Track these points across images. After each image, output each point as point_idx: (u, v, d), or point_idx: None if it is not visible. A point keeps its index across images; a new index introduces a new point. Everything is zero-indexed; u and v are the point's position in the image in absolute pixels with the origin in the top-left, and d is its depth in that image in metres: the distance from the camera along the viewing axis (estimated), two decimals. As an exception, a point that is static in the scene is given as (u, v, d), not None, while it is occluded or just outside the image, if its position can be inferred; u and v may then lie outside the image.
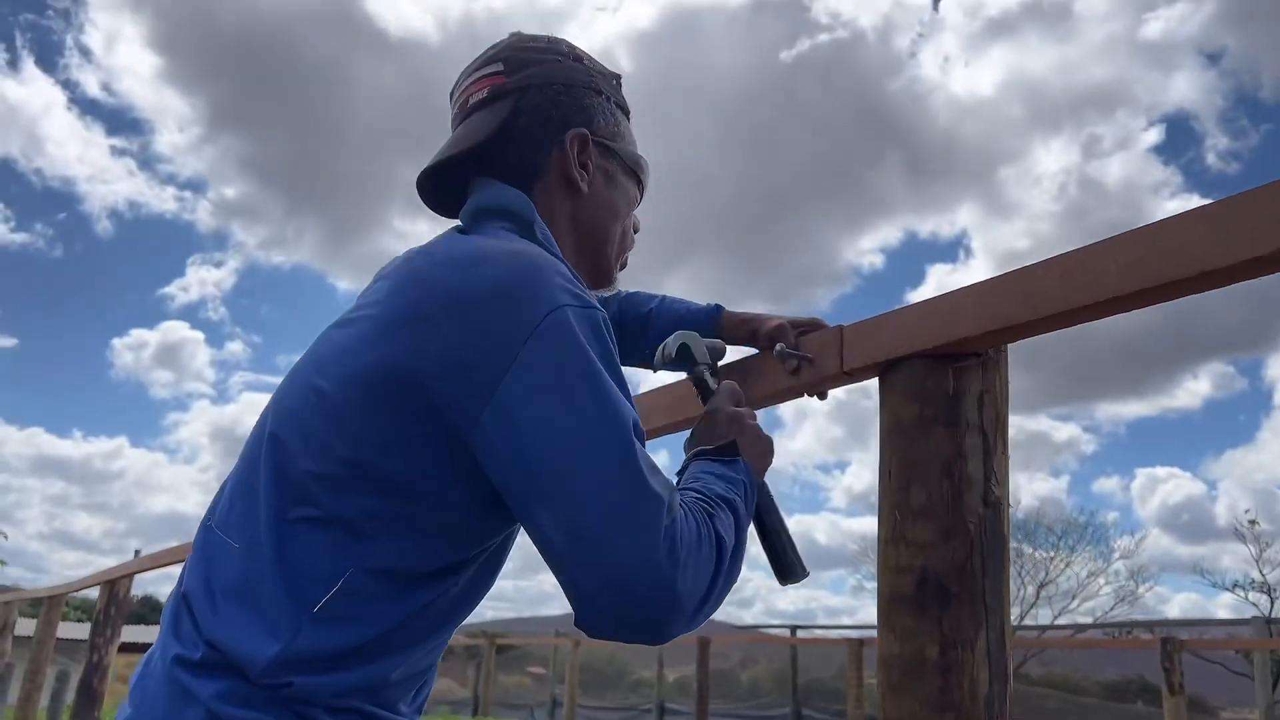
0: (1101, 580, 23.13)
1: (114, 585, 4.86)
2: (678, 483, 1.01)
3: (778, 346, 1.25)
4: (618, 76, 1.15)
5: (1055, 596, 23.75)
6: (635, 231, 1.18)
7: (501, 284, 0.86)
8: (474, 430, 0.83)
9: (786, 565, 1.12)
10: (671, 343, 1.26)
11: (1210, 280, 0.86)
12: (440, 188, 1.10)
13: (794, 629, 14.67)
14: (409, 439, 0.85)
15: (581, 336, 0.84)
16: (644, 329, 1.37)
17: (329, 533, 0.85)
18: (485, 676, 14.08)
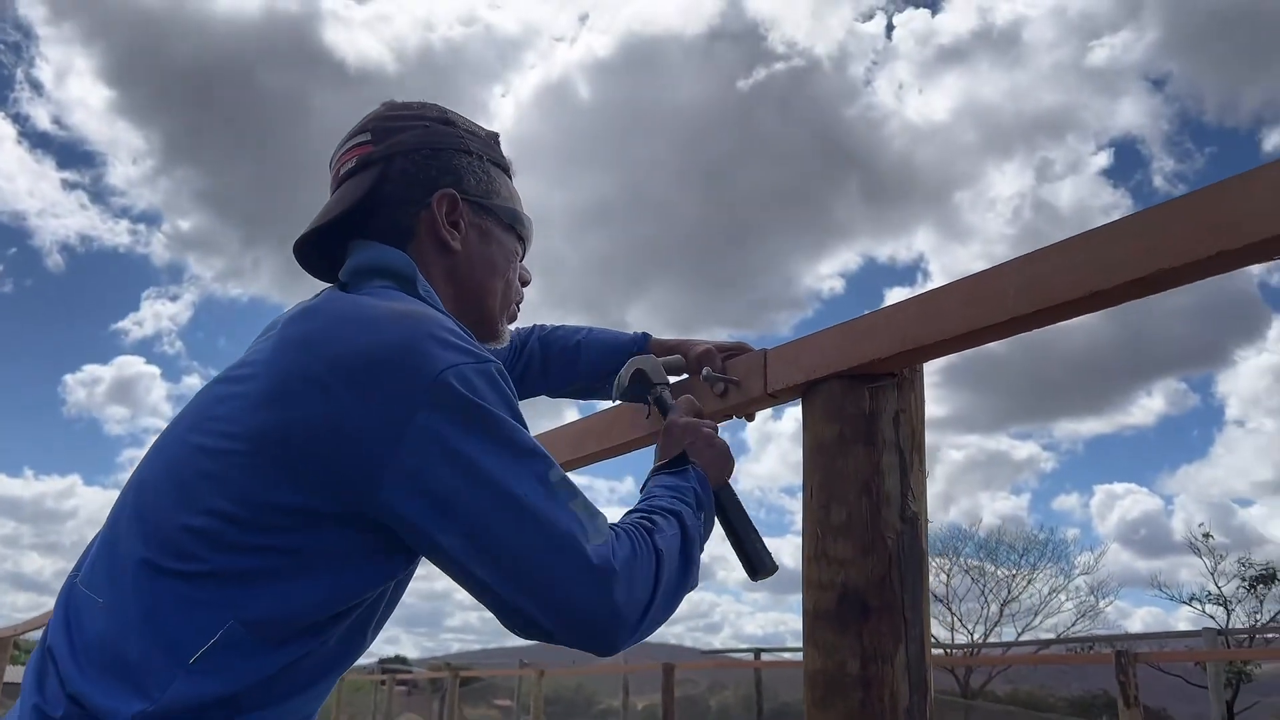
0: (1063, 596, 23.40)
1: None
2: (638, 499, 1.08)
3: (705, 370, 1.29)
4: (495, 135, 1.18)
5: (1019, 614, 23.98)
6: (525, 284, 1.21)
7: (390, 348, 0.87)
8: (374, 495, 0.85)
9: (756, 562, 1.19)
10: (625, 371, 1.30)
11: (1100, 300, 0.91)
12: (318, 254, 1.12)
13: (758, 652, 14.64)
14: (294, 499, 0.86)
15: (472, 393, 0.87)
16: (574, 359, 1.42)
17: (206, 586, 0.84)
18: (450, 710, 13.88)
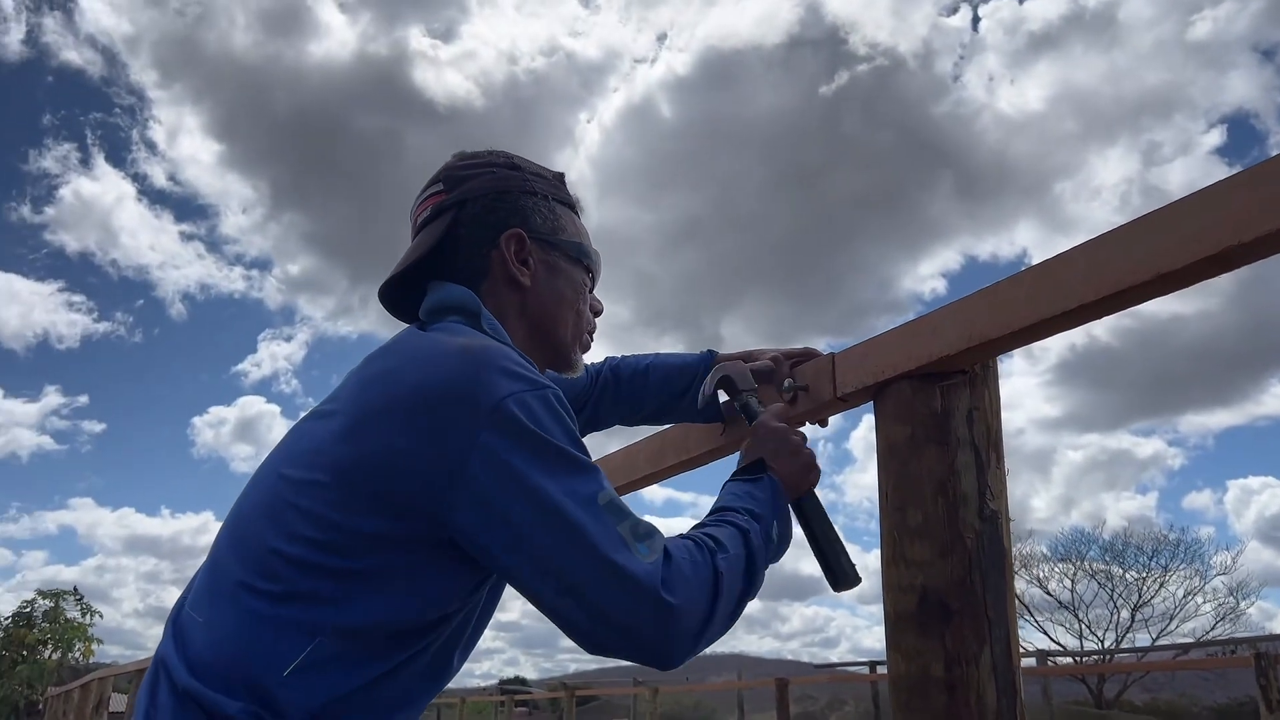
0: (1200, 599, 22.16)
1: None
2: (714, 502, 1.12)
3: (785, 382, 1.30)
4: (561, 175, 1.24)
5: (1152, 619, 22.80)
6: (597, 314, 1.26)
7: (454, 380, 0.94)
8: (444, 518, 0.91)
9: (838, 572, 1.19)
10: (710, 379, 1.32)
11: (1167, 283, 0.88)
12: (403, 298, 1.20)
13: (874, 665, 14.30)
14: (372, 525, 0.92)
15: (530, 419, 0.92)
16: (644, 383, 1.45)
17: (295, 605, 0.91)
18: (568, 730, 14.00)
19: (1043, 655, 10.19)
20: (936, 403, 1.10)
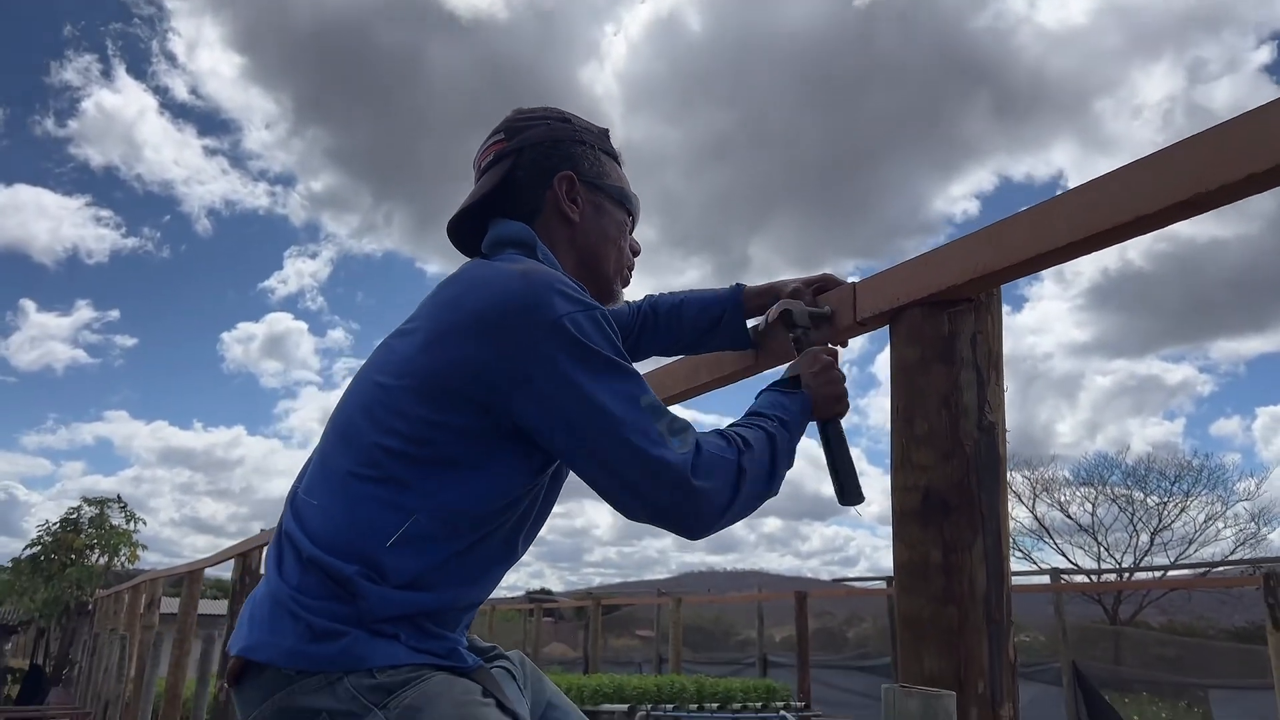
0: (1220, 524, 22.34)
1: (246, 558, 5.30)
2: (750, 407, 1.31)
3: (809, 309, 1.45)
4: (605, 130, 1.42)
5: (1171, 543, 23.05)
6: (636, 253, 1.43)
7: (517, 300, 1.11)
8: (511, 412, 1.11)
9: (847, 490, 1.37)
10: (774, 309, 1.47)
11: (1146, 224, 1.01)
12: (470, 234, 1.37)
13: (891, 581, 14.66)
14: (451, 419, 1.11)
15: (581, 334, 1.10)
16: (679, 316, 1.62)
17: (393, 488, 1.10)
18: (593, 637, 14.53)
19: (1056, 573, 10.42)
20: (944, 327, 1.24)
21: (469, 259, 1.34)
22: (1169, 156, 0.97)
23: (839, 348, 1.46)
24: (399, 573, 1.08)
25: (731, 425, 1.24)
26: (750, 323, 1.58)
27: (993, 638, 1.16)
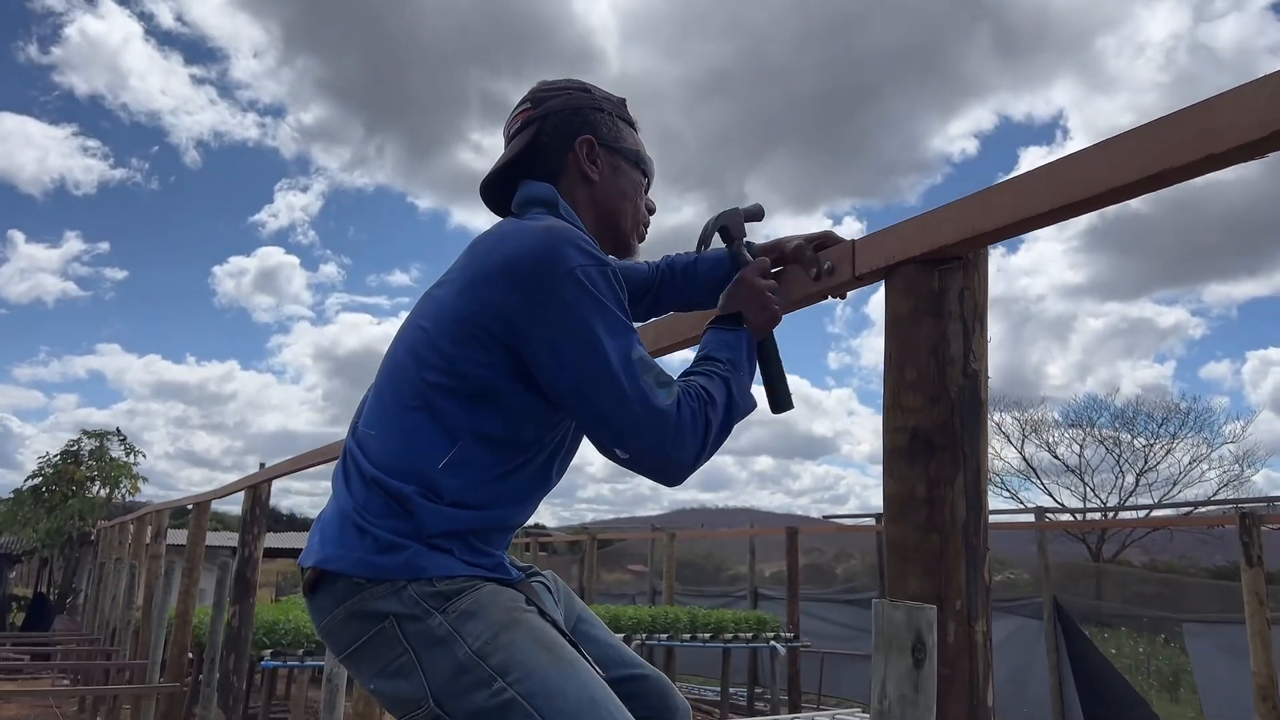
0: (1205, 466, 22.73)
1: (256, 489, 5.46)
2: (698, 350, 1.45)
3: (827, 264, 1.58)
4: (623, 100, 1.57)
5: (1156, 484, 23.48)
6: (651, 212, 1.56)
7: (538, 252, 1.26)
8: (526, 352, 1.26)
9: (780, 398, 1.54)
10: (711, 223, 1.61)
11: (1118, 194, 1.12)
12: (499, 196, 1.51)
13: (879, 517, 14.97)
14: (485, 357, 1.27)
15: (592, 285, 1.24)
16: (693, 274, 1.74)
17: (441, 417, 1.26)
18: (588, 570, 14.87)
19: (1040, 512, 10.69)
20: (935, 283, 1.36)
21: (500, 218, 1.46)
22: (1137, 135, 1.08)
23: (840, 298, 1.58)
24: (450, 491, 1.24)
25: (690, 372, 1.38)
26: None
27: (970, 562, 1.30)
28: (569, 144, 1.46)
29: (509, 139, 1.51)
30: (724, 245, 1.66)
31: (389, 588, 1.21)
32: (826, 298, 1.59)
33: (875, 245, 1.45)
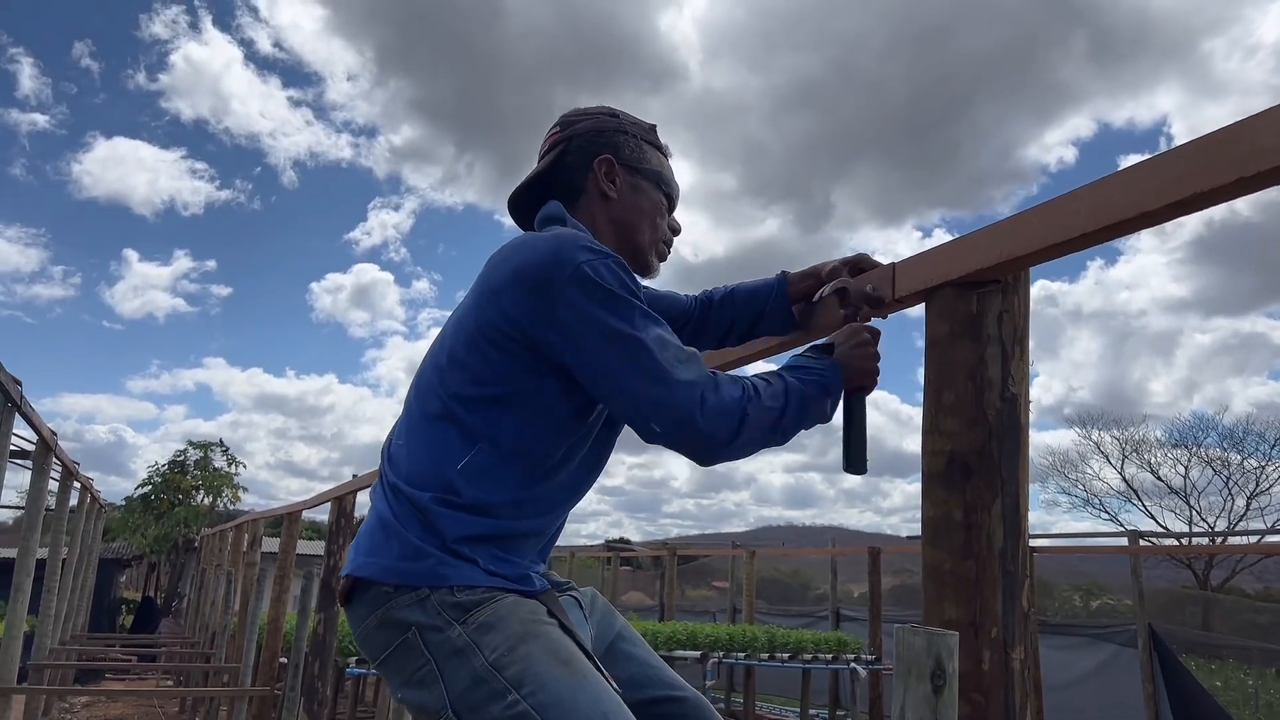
0: (1323, 489, 21.47)
1: (341, 501, 5.65)
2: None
3: (869, 287, 1.57)
4: (653, 126, 1.64)
5: (1269, 508, 22.29)
6: (675, 233, 1.60)
7: (541, 258, 1.32)
8: (547, 349, 1.31)
9: (855, 460, 1.51)
10: (828, 287, 1.60)
11: (1150, 219, 1.10)
12: (527, 213, 1.59)
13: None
14: (502, 362, 1.33)
15: (599, 277, 1.30)
16: (732, 304, 1.77)
17: (460, 423, 1.34)
18: (668, 586, 14.86)
19: (1135, 535, 10.25)
20: (973, 306, 1.36)
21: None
22: (1167, 161, 1.07)
23: (878, 323, 1.58)
24: (469, 495, 1.30)
25: (756, 374, 1.41)
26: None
27: (1007, 588, 1.29)
28: (590, 163, 1.54)
29: (539, 159, 1.58)
30: (840, 308, 1.59)
31: (414, 596, 1.27)
32: (870, 319, 1.59)
33: (914, 268, 1.45)
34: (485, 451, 1.32)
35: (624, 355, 1.27)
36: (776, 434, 1.35)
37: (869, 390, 1.49)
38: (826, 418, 1.43)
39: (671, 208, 1.62)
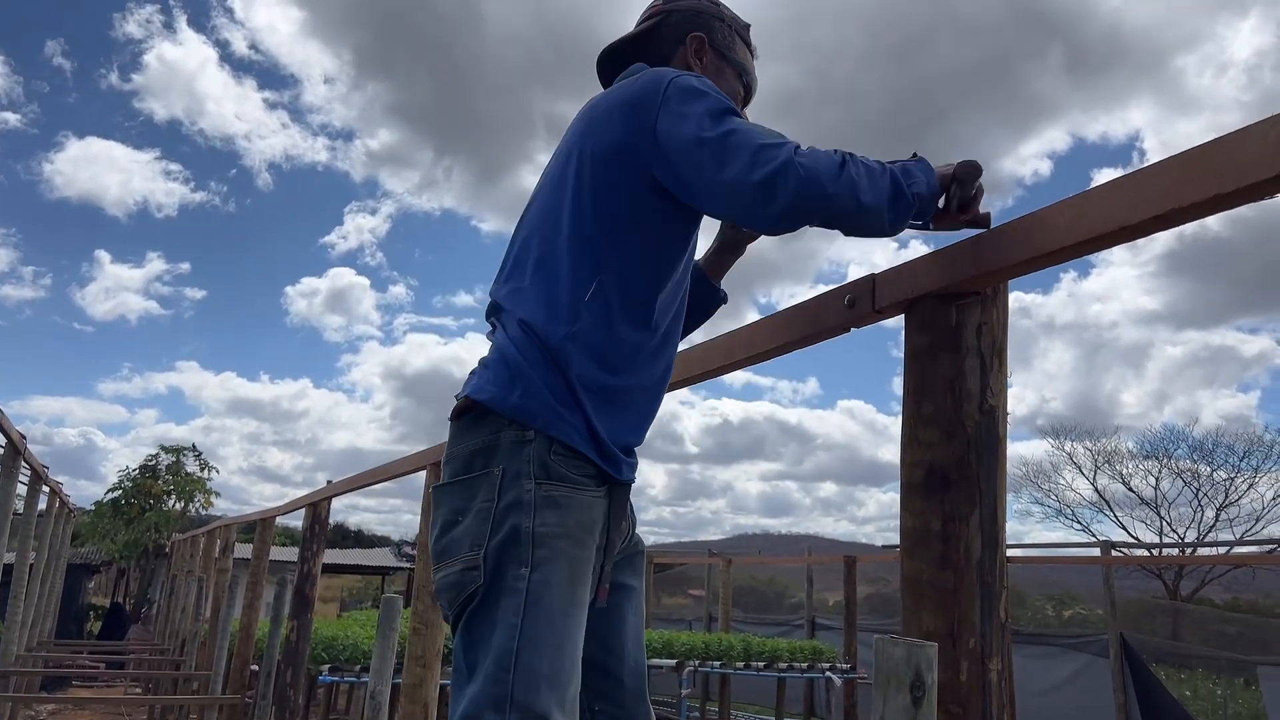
0: (1289, 500, 21.76)
1: (316, 507, 5.60)
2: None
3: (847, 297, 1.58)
4: (748, 25, 1.74)
5: (1237, 520, 22.58)
6: None
7: (643, 82, 1.45)
8: (649, 160, 1.40)
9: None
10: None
11: (1129, 234, 1.11)
12: (612, 71, 1.68)
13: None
14: (616, 182, 1.43)
15: (684, 82, 1.41)
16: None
17: (583, 254, 1.42)
18: (645, 593, 14.83)
19: (1108, 545, 10.35)
20: (952, 318, 1.36)
21: None
22: (1146, 176, 1.08)
23: (858, 326, 1.58)
24: (593, 320, 1.40)
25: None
26: None
27: (984, 599, 1.29)
28: (682, 37, 1.64)
29: (637, 24, 1.69)
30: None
31: (520, 436, 1.34)
32: (849, 330, 1.60)
33: (894, 279, 1.45)
34: (607, 280, 1.40)
35: (727, 141, 1.31)
36: (861, 192, 1.31)
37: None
38: (917, 202, 1.38)
39: (747, 102, 1.72)
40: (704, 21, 1.65)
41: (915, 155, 1.43)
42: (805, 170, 1.27)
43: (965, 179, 1.44)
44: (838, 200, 1.29)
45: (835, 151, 1.32)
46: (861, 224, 1.34)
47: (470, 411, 1.40)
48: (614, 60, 1.67)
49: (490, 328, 1.51)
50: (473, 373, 1.47)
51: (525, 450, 1.34)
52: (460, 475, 1.38)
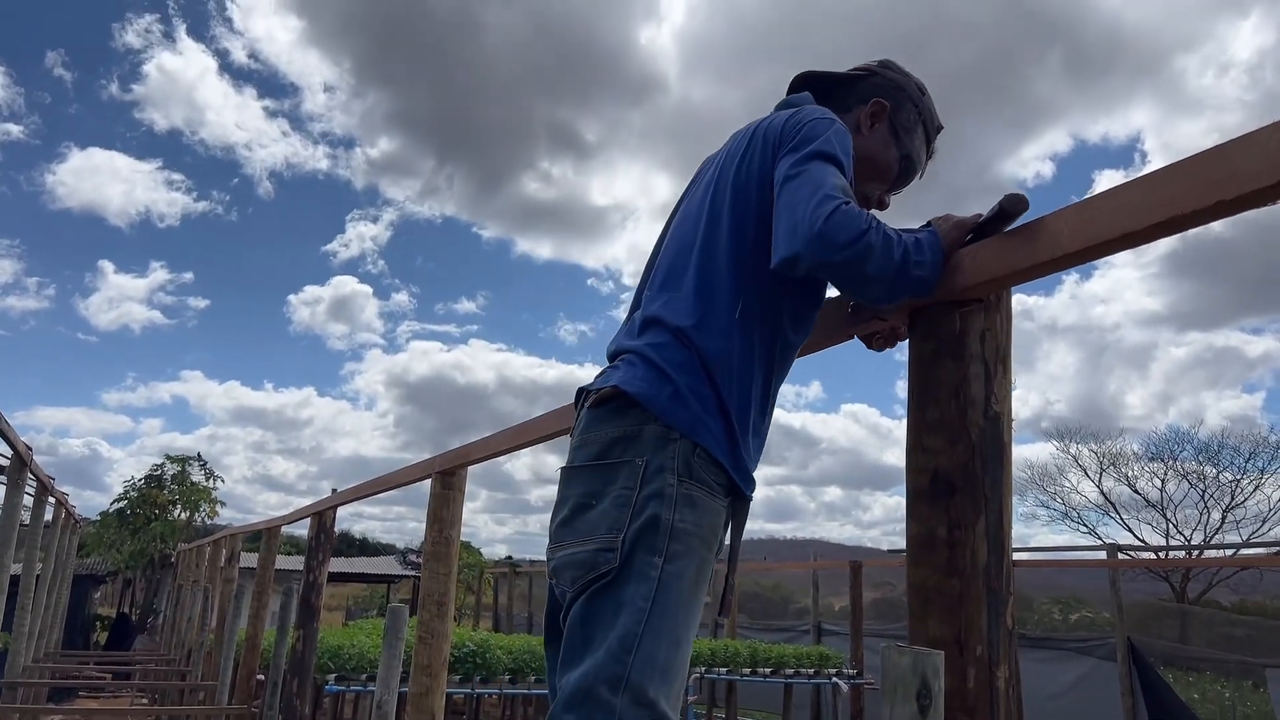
0: (1296, 502, 21.68)
1: (321, 516, 5.61)
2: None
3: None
4: (940, 126, 1.76)
5: (1244, 521, 22.49)
6: (881, 206, 1.71)
7: (785, 117, 1.52)
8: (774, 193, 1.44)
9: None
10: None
11: (1132, 240, 1.12)
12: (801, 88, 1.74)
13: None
14: (753, 203, 1.48)
15: (816, 126, 1.46)
16: None
17: (728, 273, 1.47)
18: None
19: (1114, 549, 10.32)
20: (955, 324, 1.37)
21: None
22: (1149, 183, 1.08)
23: (864, 342, 1.58)
24: (739, 360, 1.42)
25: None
26: None
27: (991, 606, 1.29)
28: (870, 98, 1.68)
29: (850, 69, 1.73)
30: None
31: (664, 434, 1.36)
32: (853, 336, 1.60)
33: (898, 287, 1.46)
34: (750, 301, 1.44)
35: (809, 179, 1.35)
36: (880, 259, 1.31)
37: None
38: (925, 269, 1.36)
39: (896, 186, 1.73)
40: (898, 98, 1.68)
41: (929, 223, 1.43)
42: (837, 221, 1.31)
43: (1014, 217, 1.44)
44: (849, 266, 1.31)
45: (862, 212, 1.33)
46: (861, 292, 1.36)
47: (614, 401, 1.42)
48: (805, 83, 1.72)
49: (641, 327, 1.52)
50: (612, 368, 1.50)
51: (670, 447, 1.36)
52: (596, 460, 1.41)
